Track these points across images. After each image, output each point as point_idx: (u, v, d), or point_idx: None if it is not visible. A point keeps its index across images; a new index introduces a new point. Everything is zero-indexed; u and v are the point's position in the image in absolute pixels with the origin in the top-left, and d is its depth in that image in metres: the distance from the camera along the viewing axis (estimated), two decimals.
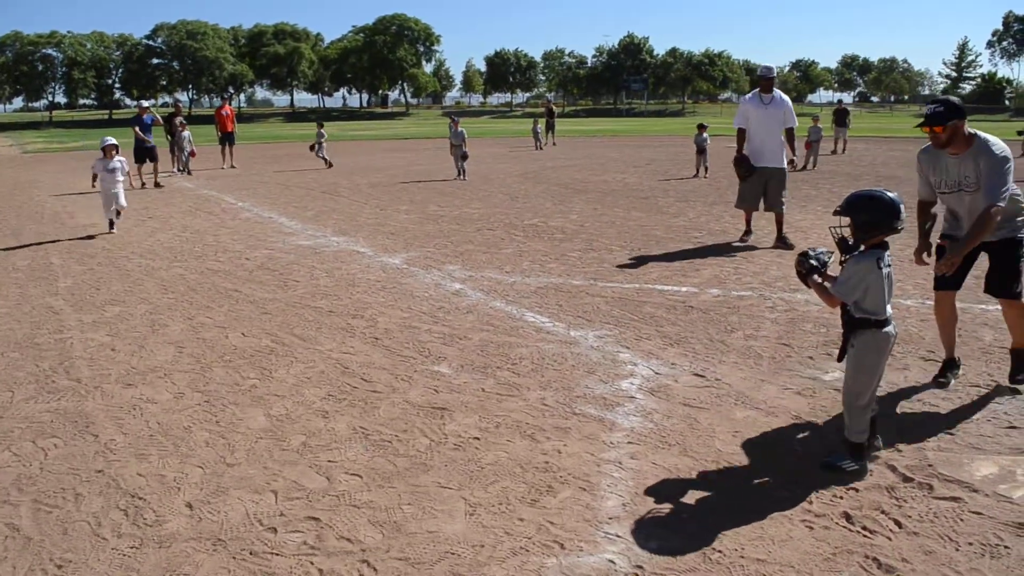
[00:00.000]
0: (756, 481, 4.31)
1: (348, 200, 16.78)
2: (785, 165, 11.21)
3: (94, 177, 12.01)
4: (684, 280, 9.00)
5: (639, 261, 10.09)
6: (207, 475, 4.45)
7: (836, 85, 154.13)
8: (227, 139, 25.90)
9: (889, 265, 4.28)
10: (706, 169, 21.72)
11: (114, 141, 11.98)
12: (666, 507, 4.03)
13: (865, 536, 3.77)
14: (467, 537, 3.79)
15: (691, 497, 4.14)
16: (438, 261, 10.12)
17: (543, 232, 12.40)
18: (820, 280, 4.42)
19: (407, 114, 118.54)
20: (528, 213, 14.58)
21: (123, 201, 12.39)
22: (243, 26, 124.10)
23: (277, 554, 3.69)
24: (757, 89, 11.36)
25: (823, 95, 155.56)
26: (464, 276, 9.24)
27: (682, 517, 3.94)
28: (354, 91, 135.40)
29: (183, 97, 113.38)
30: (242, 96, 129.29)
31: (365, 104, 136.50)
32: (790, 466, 4.48)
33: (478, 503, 4.09)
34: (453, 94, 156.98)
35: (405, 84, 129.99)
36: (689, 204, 15.81)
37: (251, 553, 3.69)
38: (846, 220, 4.32)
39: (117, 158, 11.90)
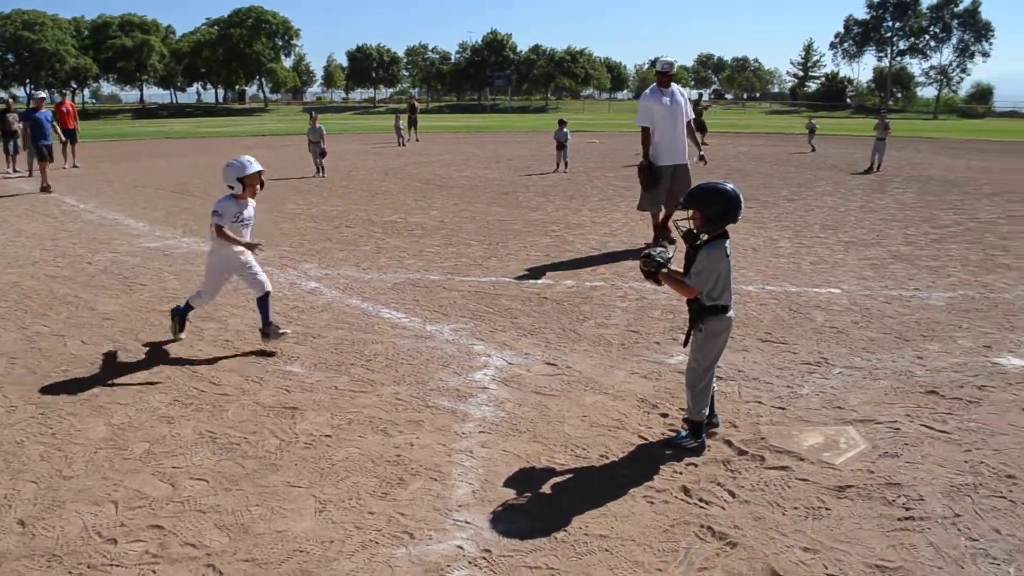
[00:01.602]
0: (602, 462, 4.49)
1: (201, 200, 16.25)
2: (688, 161, 10.74)
3: None
4: (540, 273, 9.21)
5: (497, 255, 10.23)
6: (41, 490, 4.27)
7: (693, 82, 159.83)
8: (69, 137, 24.58)
9: (730, 253, 4.52)
10: (566, 164, 22.17)
11: None
12: (515, 492, 4.15)
13: (701, 507, 4.00)
14: (316, 534, 3.79)
15: (539, 481, 4.27)
16: (293, 260, 9.98)
17: (403, 228, 12.40)
18: (670, 274, 4.55)
19: (266, 110, 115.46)
20: (388, 209, 14.54)
21: None
22: (86, 17, 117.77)
23: (117, 565, 3.59)
24: (655, 84, 10.81)
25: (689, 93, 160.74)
26: (320, 274, 9.15)
27: (530, 500, 4.07)
28: (209, 86, 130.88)
29: (19, 92, 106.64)
30: (86, 92, 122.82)
31: (221, 100, 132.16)
32: (635, 446, 4.69)
33: (328, 500, 4.09)
34: (314, 89, 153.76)
35: (263, 79, 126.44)
36: (548, 199, 16.12)
37: (88, 567, 3.58)
38: (690, 213, 4.47)
39: None
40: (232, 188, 6.09)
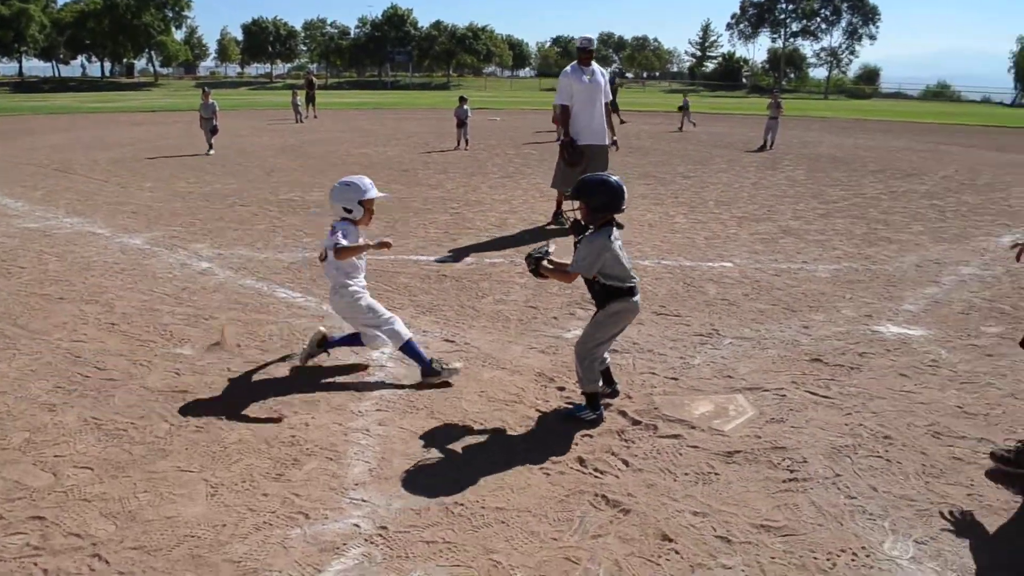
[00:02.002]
0: (499, 436, 4.54)
1: (85, 178, 15.58)
2: (608, 143, 10.54)
3: None
4: (439, 250, 9.20)
5: (396, 233, 10.15)
6: None
7: (595, 61, 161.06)
8: None
9: (620, 239, 4.62)
10: (467, 142, 22.12)
11: None
12: (412, 468, 4.15)
13: (596, 477, 4.08)
14: (208, 518, 3.72)
15: (436, 456, 4.29)
16: (184, 240, 9.69)
17: (299, 206, 12.19)
18: (551, 266, 4.69)
19: (156, 85, 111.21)
20: (284, 188, 14.25)
21: None
22: None
23: None
24: (575, 62, 10.53)
25: None
26: (212, 255, 8.91)
27: (427, 476, 4.08)
28: (95, 59, 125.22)
29: None
30: None
31: (108, 73, 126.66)
32: (532, 419, 4.75)
33: (220, 483, 4.01)
34: (207, 64, 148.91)
35: (153, 52, 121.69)
36: (448, 176, 16.07)
37: None
38: (578, 204, 4.63)
39: None
40: (350, 212, 5.16)
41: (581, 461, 4.23)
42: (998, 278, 8.24)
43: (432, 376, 5.22)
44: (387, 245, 5.21)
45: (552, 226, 10.73)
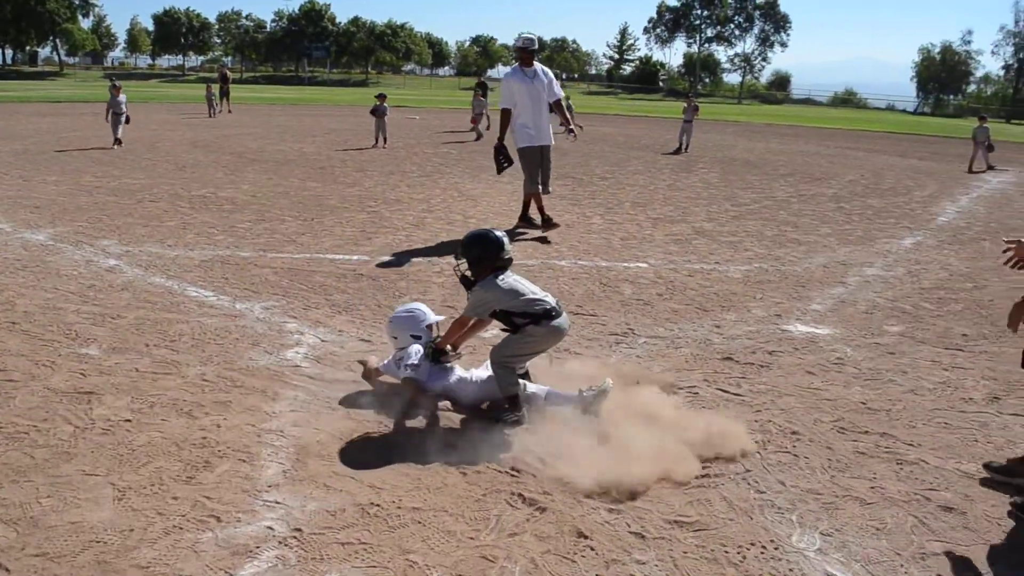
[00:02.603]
0: (416, 437, 4.52)
1: None
2: (552, 142, 10.38)
3: None
4: (356, 249, 9.13)
5: (312, 231, 10.05)
6: None
7: (514, 61, 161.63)
8: None
9: (512, 275, 4.81)
10: (385, 139, 21.96)
11: None
12: (327, 470, 4.11)
13: (513, 476, 4.11)
14: (115, 523, 3.61)
15: (352, 458, 4.25)
16: (91, 236, 9.37)
17: (212, 203, 11.93)
18: (442, 342, 5.02)
19: (62, 74, 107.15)
20: (196, 183, 13.92)
21: None
22: None
23: None
24: (517, 64, 10.25)
25: (502, 70, 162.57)
26: (121, 251, 8.65)
27: (343, 477, 4.04)
28: None
29: None
30: None
31: (10, 61, 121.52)
32: (452, 421, 4.76)
33: (128, 487, 3.90)
34: (116, 54, 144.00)
35: (58, 40, 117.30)
36: (366, 174, 15.94)
37: None
38: (463, 260, 4.84)
39: None
40: (419, 337, 5.21)
41: (498, 461, 4.24)
42: (900, 279, 8.58)
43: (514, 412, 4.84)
44: (454, 356, 5.14)
45: (521, 229, 10.56)
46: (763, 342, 6.31)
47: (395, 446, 4.41)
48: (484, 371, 5.10)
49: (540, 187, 10.31)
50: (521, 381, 4.80)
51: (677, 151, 23.33)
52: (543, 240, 9.89)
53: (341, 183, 14.52)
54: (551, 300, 4.76)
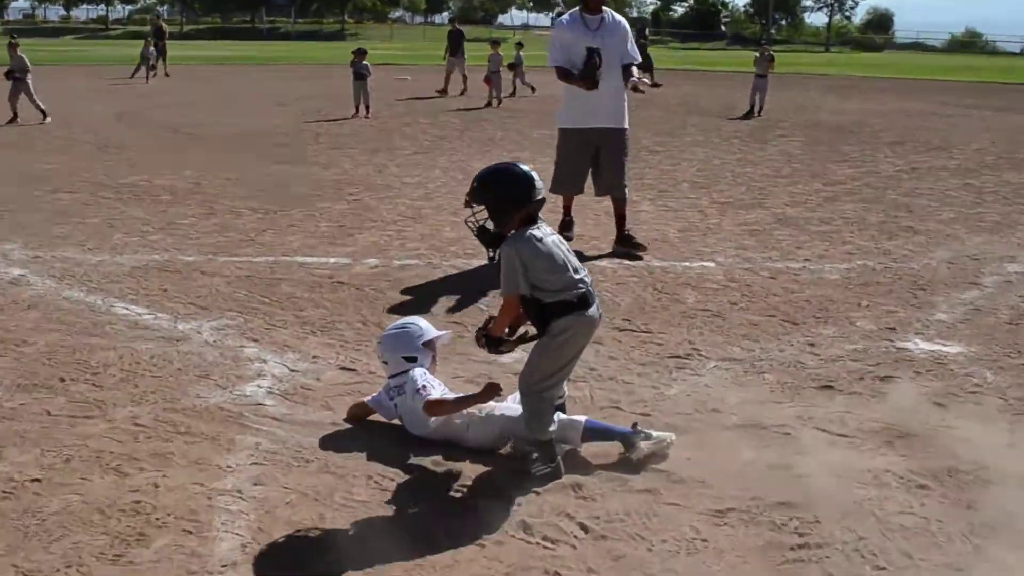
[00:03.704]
0: (418, 498, 4.46)
1: None
2: (627, 125, 9.46)
3: None
4: (333, 249, 9.15)
5: (275, 227, 10.09)
6: None
7: (532, 4, 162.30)
8: None
9: (553, 233, 4.64)
10: (367, 108, 22.01)
11: None
12: (300, 542, 4.05)
13: (546, 548, 4.01)
14: None
15: (333, 525, 4.18)
16: None
17: (145, 193, 12.02)
18: (495, 328, 4.74)
19: None
20: (125, 168, 14.02)
21: None
22: None
23: None
24: (578, 8, 9.37)
25: (516, 16, 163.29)
26: (27, 257, 8.70)
27: (320, 553, 3.97)
28: None
29: None
30: None
31: None
32: (462, 475, 4.69)
33: (36, 570, 3.84)
34: (21, 4, 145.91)
35: None
36: (344, 152, 16.01)
37: None
38: (480, 208, 4.69)
39: None
40: (414, 361, 5.19)
41: (525, 527, 4.17)
42: None
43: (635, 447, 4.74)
44: (494, 393, 4.99)
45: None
46: (872, 365, 6.22)
47: (390, 509, 4.35)
48: (501, 406, 5.05)
49: (571, 187, 9.61)
50: (556, 416, 4.72)
51: (748, 114, 23.26)
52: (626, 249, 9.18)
53: (313, 164, 14.57)
54: (586, 275, 4.68)
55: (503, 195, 4.59)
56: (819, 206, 11.73)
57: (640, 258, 8.97)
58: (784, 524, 4.20)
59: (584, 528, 4.15)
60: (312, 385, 5.75)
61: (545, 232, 4.61)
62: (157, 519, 4.20)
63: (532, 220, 4.62)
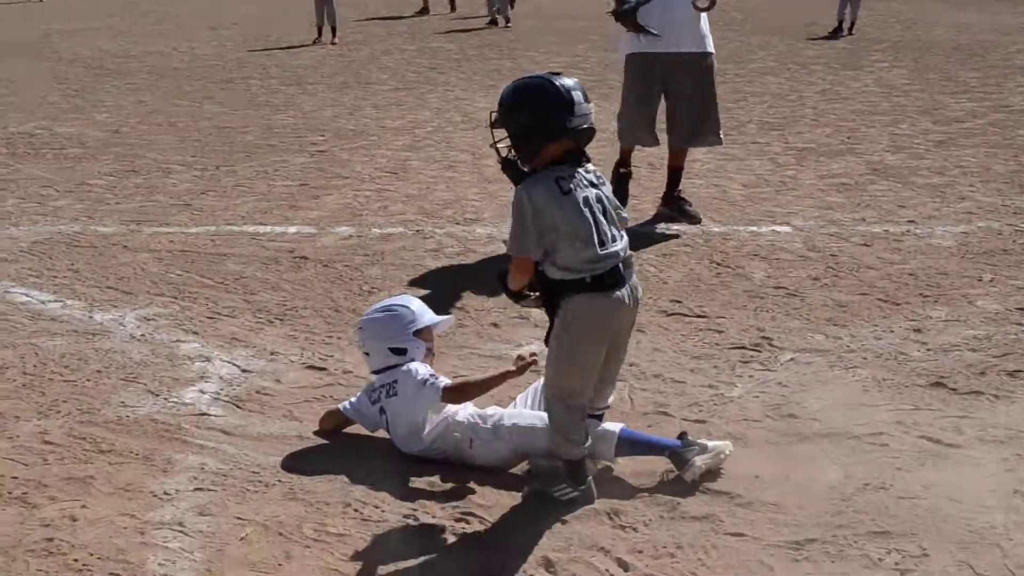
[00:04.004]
0: (411, 529, 4.51)
1: None
2: (712, 48, 9.49)
3: None
4: (293, 215, 9.22)
5: (218, 188, 10.17)
6: None
7: None
8: None
9: (594, 184, 4.58)
10: (333, 30, 21.96)
11: None
12: None
13: None
14: None
15: (300, 565, 4.25)
16: None
17: (46, 146, 12.11)
18: (515, 285, 4.71)
19: None
20: (17, 114, 14.09)
21: None
22: None
23: None
24: None
25: None
26: None
27: None
28: None
29: None
30: None
31: None
32: (469, 501, 4.73)
33: None
34: None
35: None
36: (304, 89, 16.01)
37: None
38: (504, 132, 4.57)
39: None
40: (402, 354, 5.25)
41: (549, 566, 4.22)
42: None
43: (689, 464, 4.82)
44: (529, 364, 5.13)
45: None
46: (997, 356, 6.23)
47: (374, 545, 4.39)
48: (514, 413, 5.12)
49: (647, 135, 9.31)
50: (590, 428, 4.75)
51: (835, 32, 23.17)
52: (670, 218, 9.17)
53: (264, 106, 14.59)
54: (623, 248, 4.60)
55: (530, 119, 4.47)
56: (928, 152, 11.69)
57: (697, 222, 9.04)
58: (881, 559, 4.24)
59: (624, 566, 4.20)
60: (270, 389, 5.81)
61: (580, 181, 4.51)
62: (75, 560, 4.27)
63: (574, 159, 4.55)
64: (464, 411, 5.11)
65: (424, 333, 5.27)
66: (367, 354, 5.32)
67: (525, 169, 4.55)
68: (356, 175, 10.63)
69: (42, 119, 13.68)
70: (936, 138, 12.45)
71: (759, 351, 6.32)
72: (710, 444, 4.79)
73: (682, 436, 4.79)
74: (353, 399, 5.33)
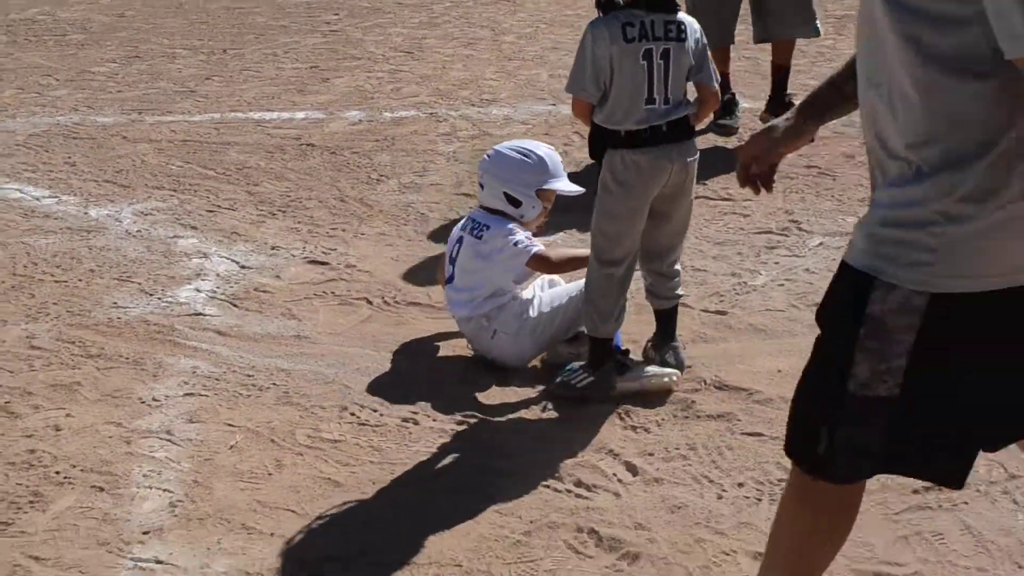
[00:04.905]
0: (404, 429, 4.48)
1: None
2: None
3: None
4: (302, 100, 9.17)
5: (224, 73, 10.13)
6: None
7: None
8: None
9: (668, 37, 4.46)
10: None
11: None
12: (248, 500, 4.08)
13: (579, 497, 4.03)
14: None
15: (297, 478, 4.22)
16: None
17: (45, 30, 12.12)
18: None
19: None
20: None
21: None
22: None
23: None
24: None
25: None
26: None
27: (278, 513, 4.00)
28: None
29: None
30: None
31: None
32: (471, 398, 4.70)
33: None
34: None
35: None
36: None
37: None
38: None
39: None
40: (517, 206, 5.15)
41: (552, 470, 4.18)
42: None
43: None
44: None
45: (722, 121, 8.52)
46: None
47: (372, 451, 4.37)
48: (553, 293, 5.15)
49: (726, 35, 8.49)
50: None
51: None
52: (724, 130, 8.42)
53: None
54: (681, 112, 4.59)
55: None
56: None
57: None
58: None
59: (632, 469, 4.16)
60: (269, 286, 5.79)
61: (650, 32, 4.44)
62: (57, 472, 4.26)
63: (652, 4, 4.46)
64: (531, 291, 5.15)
65: (548, 193, 5.12)
66: (482, 186, 5.19)
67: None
68: (369, 55, 10.55)
69: (44, 4, 13.65)
70: None
71: (786, 235, 6.25)
72: (648, 369, 4.71)
73: (624, 352, 4.76)
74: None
